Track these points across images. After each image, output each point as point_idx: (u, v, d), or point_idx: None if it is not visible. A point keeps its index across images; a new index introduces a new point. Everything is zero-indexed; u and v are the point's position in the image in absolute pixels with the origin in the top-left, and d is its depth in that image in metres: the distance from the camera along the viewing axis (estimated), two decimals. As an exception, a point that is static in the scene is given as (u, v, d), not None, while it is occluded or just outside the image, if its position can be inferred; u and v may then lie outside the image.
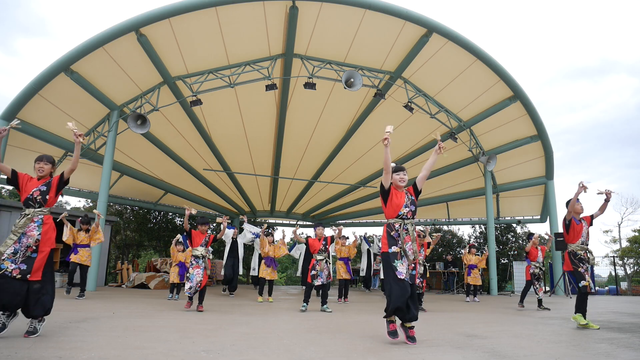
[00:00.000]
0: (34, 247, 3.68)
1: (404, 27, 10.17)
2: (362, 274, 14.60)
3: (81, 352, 3.08)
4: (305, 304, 6.77)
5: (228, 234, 10.49)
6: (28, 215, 3.75)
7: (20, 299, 3.58)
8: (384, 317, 3.89)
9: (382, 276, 17.52)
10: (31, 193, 3.80)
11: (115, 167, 12.80)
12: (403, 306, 3.71)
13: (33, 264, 3.64)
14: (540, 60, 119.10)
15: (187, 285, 6.37)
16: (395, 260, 3.84)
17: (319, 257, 6.94)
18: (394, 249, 3.89)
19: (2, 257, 3.56)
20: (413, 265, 3.94)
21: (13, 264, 3.57)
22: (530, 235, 8.70)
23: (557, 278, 13.98)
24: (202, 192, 17.54)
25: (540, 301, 8.28)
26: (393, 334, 3.79)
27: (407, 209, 4.00)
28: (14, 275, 3.56)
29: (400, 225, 3.97)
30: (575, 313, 5.21)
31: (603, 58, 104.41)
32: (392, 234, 3.96)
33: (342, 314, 6.59)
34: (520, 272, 15.87)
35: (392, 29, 10.25)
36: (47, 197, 3.83)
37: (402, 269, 3.80)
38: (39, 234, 3.73)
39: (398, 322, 3.92)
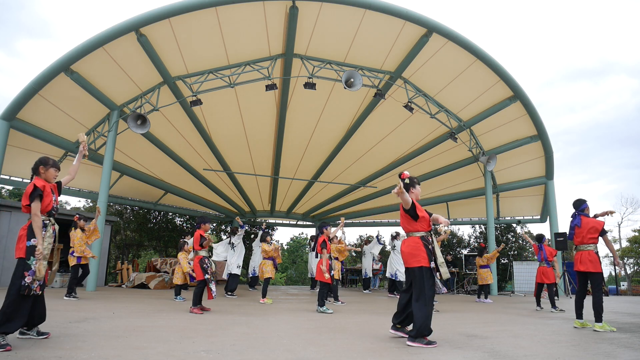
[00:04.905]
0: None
1: (404, 27, 10.16)
2: (369, 274, 14.41)
3: (81, 352, 3.08)
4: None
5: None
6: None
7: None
8: (423, 335, 3.71)
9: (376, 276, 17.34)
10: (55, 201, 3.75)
11: (115, 167, 12.80)
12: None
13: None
14: (540, 61, 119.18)
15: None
16: (435, 277, 3.86)
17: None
18: (433, 264, 3.90)
19: (35, 278, 3.47)
20: None
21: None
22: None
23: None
24: (202, 192, 17.55)
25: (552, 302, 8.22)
26: (432, 342, 3.72)
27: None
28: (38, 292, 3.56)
29: (432, 239, 4.01)
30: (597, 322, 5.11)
31: (603, 59, 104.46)
32: (429, 247, 3.94)
33: (342, 314, 6.59)
34: (520, 272, 15.89)
35: (392, 29, 10.25)
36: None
37: (440, 283, 3.90)
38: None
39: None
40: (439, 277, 3.95)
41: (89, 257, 8.44)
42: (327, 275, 6.80)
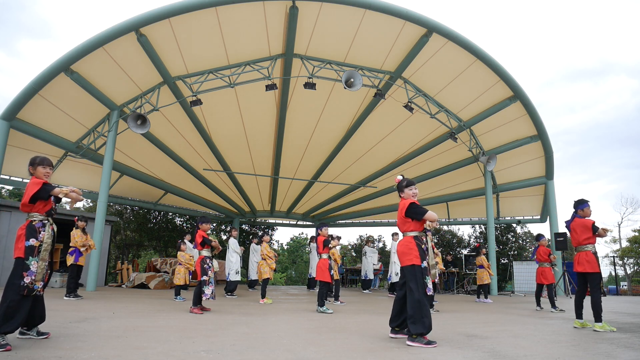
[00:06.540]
0: None
1: (404, 27, 10.16)
2: (371, 276, 14.34)
3: (81, 352, 3.08)
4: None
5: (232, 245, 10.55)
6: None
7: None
8: (421, 334, 3.71)
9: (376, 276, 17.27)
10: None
11: (115, 167, 12.79)
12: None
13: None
14: (540, 61, 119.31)
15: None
16: (426, 277, 3.92)
17: None
18: (425, 264, 3.95)
19: (35, 279, 3.46)
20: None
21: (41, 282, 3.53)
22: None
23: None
24: (202, 192, 17.54)
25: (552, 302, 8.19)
26: (432, 342, 3.73)
27: None
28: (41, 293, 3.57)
29: (426, 239, 4.07)
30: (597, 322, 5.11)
31: (603, 59, 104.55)
32: (422, 247, 4.00)
33: (342, 314, 6.59)
34: (520, 272, 15.89)
35: (392, 29, 10.25)
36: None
37: (429, 284, 3.91)
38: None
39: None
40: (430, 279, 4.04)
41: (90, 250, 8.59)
42: (332, 273, 6.82)
